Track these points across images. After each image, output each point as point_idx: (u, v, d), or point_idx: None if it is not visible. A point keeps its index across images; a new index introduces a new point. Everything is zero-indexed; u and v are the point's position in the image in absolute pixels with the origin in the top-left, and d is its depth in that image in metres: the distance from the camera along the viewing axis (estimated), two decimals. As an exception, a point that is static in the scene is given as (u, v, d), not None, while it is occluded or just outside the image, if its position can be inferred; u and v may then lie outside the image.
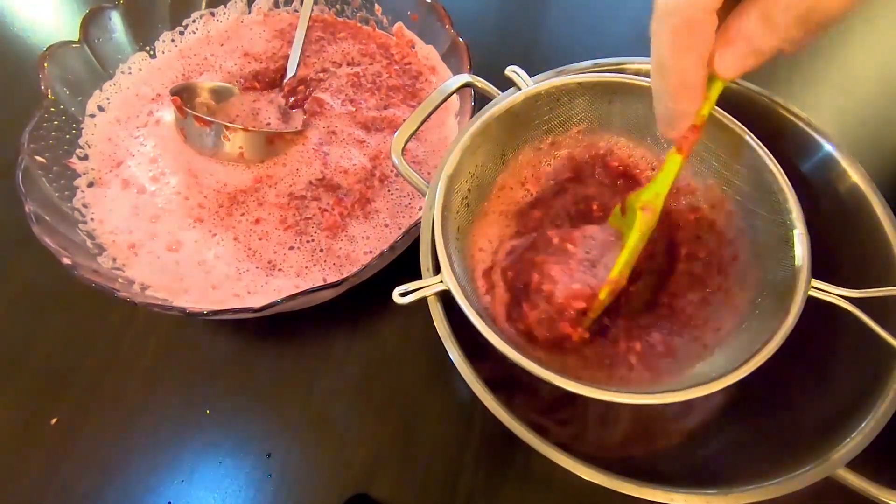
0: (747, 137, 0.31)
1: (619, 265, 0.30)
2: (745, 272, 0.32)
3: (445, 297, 0.30)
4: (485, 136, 0.34)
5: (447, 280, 0.29)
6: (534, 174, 0.38)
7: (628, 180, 0.37)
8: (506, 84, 0.36)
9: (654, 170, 0.36)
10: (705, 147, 0.33)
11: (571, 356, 0.32)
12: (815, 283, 0.28)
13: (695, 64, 0.23)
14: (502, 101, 0.34)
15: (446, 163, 0.32)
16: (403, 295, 0.29)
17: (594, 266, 0.32)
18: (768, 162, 0.30)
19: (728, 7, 0.21)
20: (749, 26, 0.21)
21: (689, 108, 0.25)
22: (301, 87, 0.52)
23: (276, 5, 0.58)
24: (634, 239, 0.29)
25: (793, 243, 0.29)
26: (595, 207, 0.37)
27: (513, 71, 0.35)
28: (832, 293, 0.28)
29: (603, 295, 0.30)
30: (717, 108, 0.31)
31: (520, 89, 0.34)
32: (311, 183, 0.47)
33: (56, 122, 0.46)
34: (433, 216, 0.31)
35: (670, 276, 0.35)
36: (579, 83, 0.34)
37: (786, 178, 0.30)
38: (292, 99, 0.52)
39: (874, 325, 0.28)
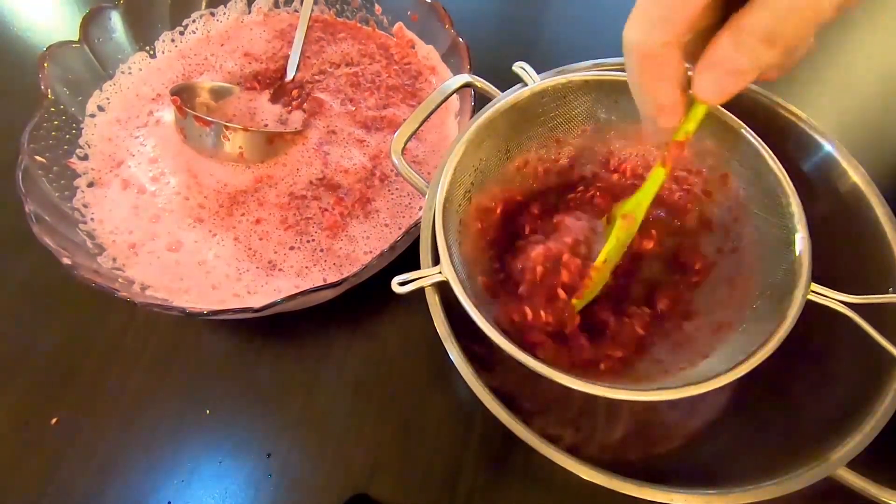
0: (751, 138, 0.31)
1: (600, 277, 0.31)
2: (745, 274, 0.32)
3: (445, 298, 0.30)
4: (490, 131, 0.34)
5: (446, 271, 0.29)
6: (538, 171, 0.38)
7: (632, 180, 0.37)
8: (505, 84, 0.36)
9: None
10: (708, 146, 0.33)
11: (570, 351, 0.32)
12: (815, 287, 0.28)
13: (666, 89, 0.24)
14: (508, 97, 0.34)
15: (450, 155, 0.32)
16: (402, 284, 0.29)
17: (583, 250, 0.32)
18: (772, 164, 0.30)
19: (707, 34, 0.22)
20: (722, 51, 0.22)
21: (666, 125, 0.26)
22: (296, 91, 0.52)
23: (276, 5, 0.58)
24: (611, 245, 0.30)
25: (794, 246, 0.29)
26: (599, 205, 0.37)
27: (520, 67, 0.35)
28: (831, 298, 0.28)
29: (590, 283, 0.31)
30: (720, 108, 0.32)
31: (526, 85, 0.34)
32: (311, 182, 0.47)
33: (56, 122, 0.46)
34: (435, 207, 0.31)
35: (669, 276, 0.35)
36: (586, 80, 0.34)
37: (789, 180, 0.30)
38: (287, 108, 0.52)
39: (872, 332, 0.28)
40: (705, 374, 0.27)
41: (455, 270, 0.29)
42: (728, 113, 0.31)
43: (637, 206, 0.30)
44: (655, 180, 0.29)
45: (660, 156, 0.28)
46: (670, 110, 0.25)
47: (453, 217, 0.33)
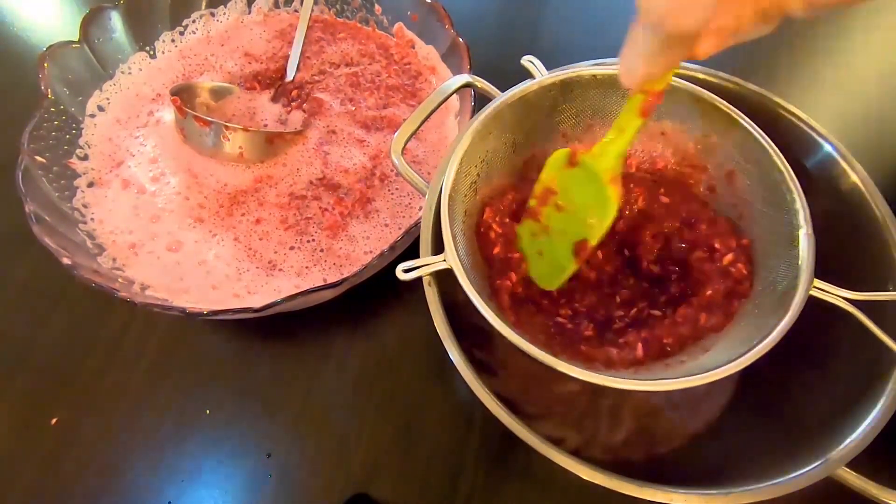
0: (756, 135, 0.31)
1: (599, 235, 0.30)
2: (749, 268, 0.32)
3: (445, 297, 0.30)
4: (497, 123, 0.34)
5: (450, 259, 0.29)
6: (544, 165, 0.38)
7: (638, 174, 0.37)
8: (505, 84, 0.36)
9: (667, 166, 0.36)
10: (715, 142, 0.33)
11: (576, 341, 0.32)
12: (818, 283, 0.28)
13: (679, 56, 0.23)
14: (516, 89, 0.34)
15: (457, 145, 0.32)
16: (407, 271, 0.29)
17: None
18: (777, 160, 0.30)
19: None
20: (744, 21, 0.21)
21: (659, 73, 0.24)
22: (296, 92, 0.52)
23: (276, 5, 0.58)
24: (612, 215, 0.30)
25: (798, 242, 0.29)
26: None
27: (528, 60, 0.35)
28: (834, 294, 0.28)
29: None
30: (729, 105, 0.32)
31: (534, 78, 0.34)
32: (311, 182, 0.47)
33: (56, 122, 0.46)
34: (441, 195, 0.31)
35: (672, 269, 0.35)
36: (594, 75, 0.34)
37: (794, 176, 0.30)
38: (287, 108, 0.52)
39: (874, 328, 0.28)
40: (706, 368, 0.27)
41: (459, 259, 0.30)
42: (734, 108, 0.32)
43: (617, 161, 0.29)
44: (632, 130, 0.28)
45: (642, 107, 0.27)
46: (671, 63, 0.24)
47: (458, 207, 0.33)
